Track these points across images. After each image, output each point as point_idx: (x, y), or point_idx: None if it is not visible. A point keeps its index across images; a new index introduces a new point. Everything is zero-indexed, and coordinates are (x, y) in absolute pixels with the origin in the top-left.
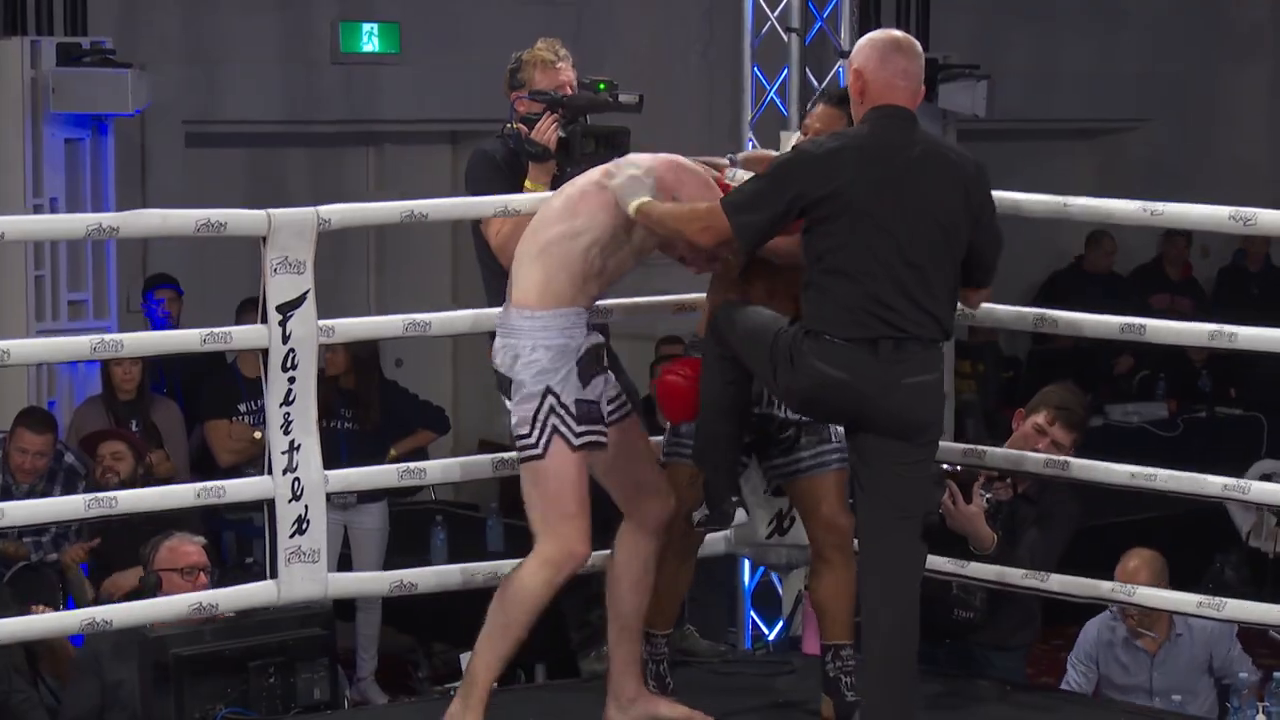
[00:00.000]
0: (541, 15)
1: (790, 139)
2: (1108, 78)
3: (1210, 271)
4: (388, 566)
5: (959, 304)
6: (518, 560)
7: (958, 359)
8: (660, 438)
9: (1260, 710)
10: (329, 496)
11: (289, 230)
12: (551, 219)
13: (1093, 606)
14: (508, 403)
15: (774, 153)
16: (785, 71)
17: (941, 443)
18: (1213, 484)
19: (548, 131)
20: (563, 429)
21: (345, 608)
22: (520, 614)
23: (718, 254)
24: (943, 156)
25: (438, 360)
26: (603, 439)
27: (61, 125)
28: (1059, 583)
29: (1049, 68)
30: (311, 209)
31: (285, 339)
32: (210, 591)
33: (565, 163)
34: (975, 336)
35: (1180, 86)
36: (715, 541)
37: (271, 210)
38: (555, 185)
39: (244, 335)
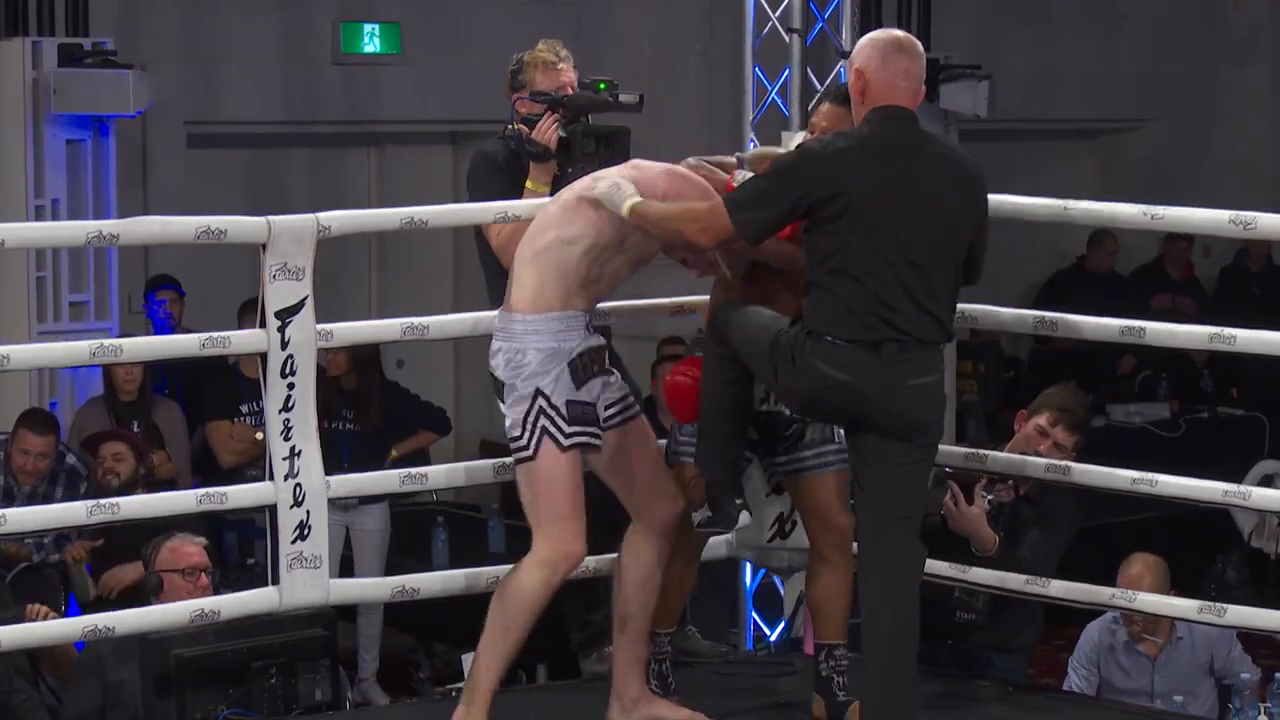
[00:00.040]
0: (542, 16)
1: (794, 138)
2: (1108, 78)
3: (1212, 271)
4: (389, 567)
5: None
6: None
7: (959, 359)
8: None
9: (1262, 711)
10: (330, 500)
11: (289, 237)
12: (548, 224)
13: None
14: (502, 406)
15: (780, 150)
16: (786, 72)
17: (944, 445)
18: (1213, 490)
19: (548, 131)
20: (552, 430)
21: (346, 609)
22: (519, 615)
23: (718, 256)
24: (945, 157)
25: (439, 361)
26: (595, 440)
27: (63, 126)
28: (1060, 588)
29: (1049, 68)
30: (311, 216)
31: (284, 345)
32: (212, 598)
33: (566, 163)
34: (976, 336)
35: (1180, 87)
36: (717, 545)
37: (271, 217)
38: (556, 185)
39: (242, 340)
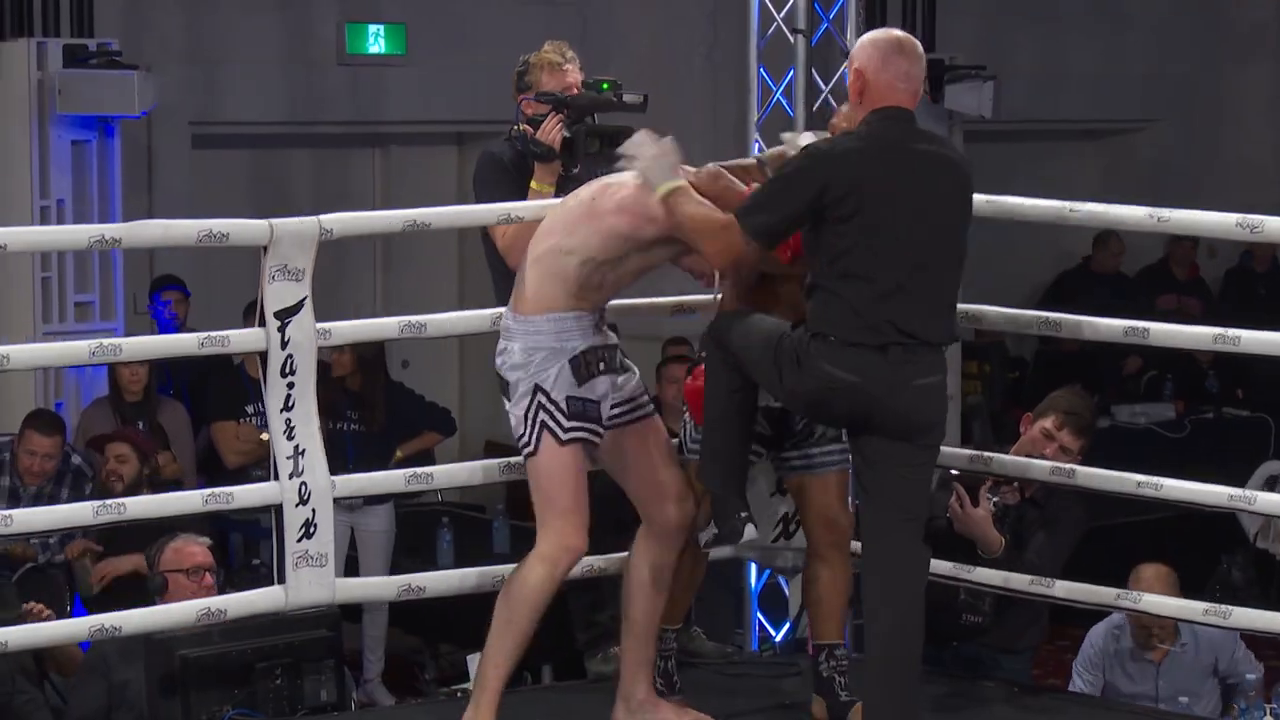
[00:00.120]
0: (546, 17)
1: (799, 139)
2: (1114, 79)
3: (1217, 272)
4: (394, 568)
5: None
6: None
7: (964, 360)
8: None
9: (1268, 712)
10: (335, 501)
11: (290, 240)
12: (552, 229)
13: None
14: (507, 404)
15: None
16: (791, 73)
17: (949, 447)
18: (1219, 494)
19: (552, 131)
20: (550, 424)
21: (352, 609)
22: (524, 611)
23: (719, 282)
24: (944, 158)
25: (444, 361)
26: (595, 437)
27: (68, 127)
28: (1065, 589)
29: (1055, 69)
30: (314, 218)
31: (283, 344)
32: (218, 598)
33: (570, 163)
34: (981, 337)
35: (1186, 87)
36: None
37: (274, 220)
38: (560, 185)
39: (242, 339)
